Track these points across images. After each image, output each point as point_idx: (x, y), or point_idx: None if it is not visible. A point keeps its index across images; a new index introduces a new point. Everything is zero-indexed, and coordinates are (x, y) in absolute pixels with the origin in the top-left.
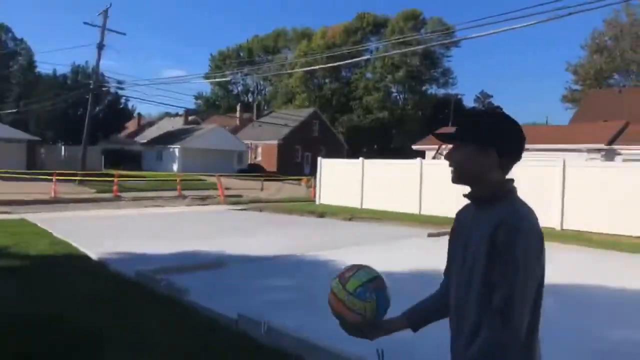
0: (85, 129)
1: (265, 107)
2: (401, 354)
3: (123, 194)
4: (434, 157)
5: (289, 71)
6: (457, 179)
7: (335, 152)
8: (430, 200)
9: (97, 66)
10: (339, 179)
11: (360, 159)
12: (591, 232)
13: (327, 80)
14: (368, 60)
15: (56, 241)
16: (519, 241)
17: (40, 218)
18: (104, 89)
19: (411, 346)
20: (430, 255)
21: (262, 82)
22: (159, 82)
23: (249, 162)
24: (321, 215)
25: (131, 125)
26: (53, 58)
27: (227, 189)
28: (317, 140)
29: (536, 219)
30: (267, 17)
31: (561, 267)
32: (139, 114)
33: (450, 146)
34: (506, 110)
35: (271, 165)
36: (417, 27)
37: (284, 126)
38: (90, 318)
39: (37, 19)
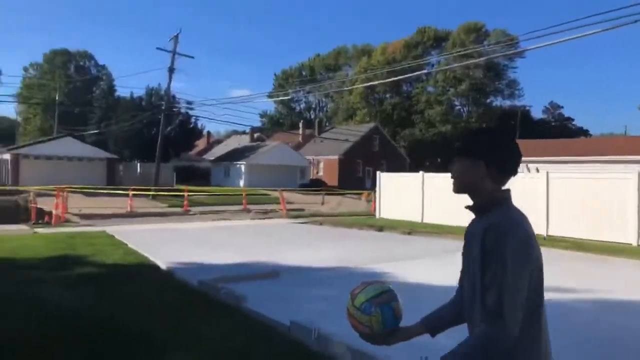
0: (158, 147)
1: (327, 124)
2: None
3: (192, 208)
4: None
5: (350, 87)
6: (456, 188)
7: (396, 167)
8: None
9: (169, 88)
10: (399, 193)
11: (420, 172)
12: None
13: (387, 95)
14: (429, 74)
15: (130, 251)
16: (506, 243)
17: (117, 230)
18: (174, 109)
19: None
20: None
21: (323, 99)
22: (226, 102)
23: (311, 177)
24: (380, 229)
25: (201, 143)
26: (130, 82)
27: (289, 203)
28: (378, 155)
29: (526, 223)
30: (328, 36)
31: None
32: (208, 133)
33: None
34: (579, 121)
35: (332, 180)
36: (479, 39)
37: (345, 141)
38: (155, 323)
39: (116, 46)
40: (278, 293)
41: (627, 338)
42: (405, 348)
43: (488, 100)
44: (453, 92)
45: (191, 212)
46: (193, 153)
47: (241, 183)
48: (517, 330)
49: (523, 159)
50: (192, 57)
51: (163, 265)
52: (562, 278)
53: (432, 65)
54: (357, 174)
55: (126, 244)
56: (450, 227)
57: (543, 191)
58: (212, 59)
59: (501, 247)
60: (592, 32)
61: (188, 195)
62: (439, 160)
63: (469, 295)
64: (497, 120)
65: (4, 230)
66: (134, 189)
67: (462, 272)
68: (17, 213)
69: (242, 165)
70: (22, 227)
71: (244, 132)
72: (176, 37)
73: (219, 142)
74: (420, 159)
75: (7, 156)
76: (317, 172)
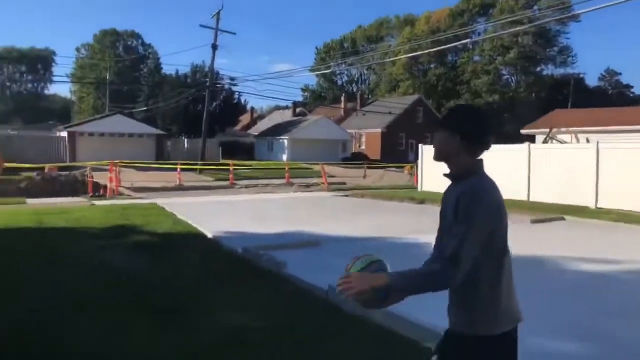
0: (204, 123)
1: (369, 96)
2: None
3: (238, 182)
4: (544, 142)
5: (393, 59)
6: (435, 157)
7: None
8: (539, 186)
9: (212, 65)
10: (440, 165)
11: None
12: None
13: (431, 66)
14: (475, 42)
15: (179, 222)
16: (477, 205)
17: (167, 202)
18: (218, 86)
19: None
20: (530, 242)
21: (365, 72)
22: (268, 77)
23: (353, 150)
24: (421, 201)
25: (245, 119)
26: (176, 60)
27: (331, 176)
28: (422, 127)
29: (496, 190)
30: (370, 8)
31: None
32: (252, 108)
33: (555, 130)
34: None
35: (375, 154)
36: (529, 4)
37: (388, 114)
38: (203, 286)
39: (162, 24)
40: (318, 261)
41: None
42: None
43: (538, 69)
44: (500, 61)
45: (237, 186)
46: (237, 128)
47: (284, 157)
48: (460, 279)
49: (572, 128)
50: (234, 34)
51: (210, 234)
52: (610, 250)
53: (479, 34)
54: (400, 147)
55: (175, 215)
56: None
57: (592, 162)
58: (253, 34)
59: (471, 208)
60: None
61: (233, 169)
62: None
63: (440, 250)
64: (548, 89)
65: (66, 203)
66: (182, 164)
67: (438, 232)
68: (76, 186)
69: (284, 140)
70: (81, 200)
71: (286, 107)
72: (218, 14)
73: (262, 117)
74: None
75: (64, 134)
76: (360, 146)
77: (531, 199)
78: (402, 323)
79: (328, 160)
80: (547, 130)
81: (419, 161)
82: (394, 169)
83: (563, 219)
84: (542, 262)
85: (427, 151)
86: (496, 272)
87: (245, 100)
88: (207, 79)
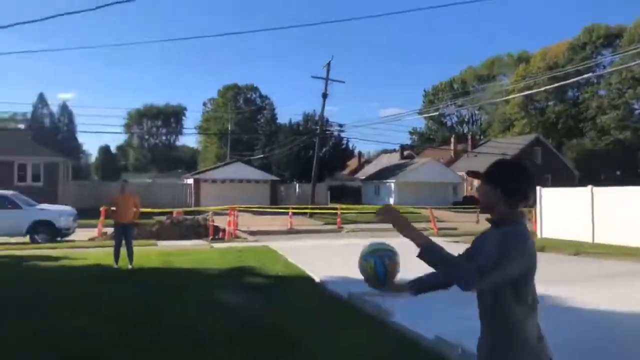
0: (314, 168)
1: (481, 137)
2: None
3: (345, 226)
4: None
5: (507, 97)
6: (481, 207)
7: (563, 181)
8: None
9: (322, 113)
10: (563, 209)
11: (589, 186)
12: None
13: (550, 103)
14: (601, 76)
15: (289, 265)
16: (514, 242)
17: (279, 245)
18: (328, 132)
19: None
20: None
21: (476, 112)
22: (375, 122)
23: (464, 194)
24: (540, 249)
25: (352, 163)
26: (289, 109)
27: (440, 221)
28: (541, 169)
29: (530, 236)
30: (477, 50)
31: None
32: (359, 152)
33: None
34: None
35: None
36: None
37: (502, 155)
38: (308, 328)
39: (277, 76)
40: (424, 308)
41: None
42: None
43: None
44: (631, 94)
45: (344, 230)
46: (345, 172)
47: (391, 201)
48: (475, 289)
49: None
50: (343, 82)
51: (317, 278)
52: None
53: (604, 67)
54: None
55: (286, 258)
56: (628, 248)
57: None
58: (361, 81)
59: (510, 243)
60: None
61: (341, 213)
62: (617, 172)
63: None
64: None
65: (190, 245)
66: (293, 208)
67: (469, 253)
68: (199, 230)
69: (391, 184)
70: (202, 242)
71: (393, 150)
72: (328, 64)
73: (369, 161)
74: (592, 171)
75: (190, 181)
76: (471, 189)
77: None
78: None
79: (437, 204)
80: None
81: (538, 205)
82: None
83: None
84: None
85: (547, 194)
86: (527, 315)
87: (353, 146)
88: (318, 127)
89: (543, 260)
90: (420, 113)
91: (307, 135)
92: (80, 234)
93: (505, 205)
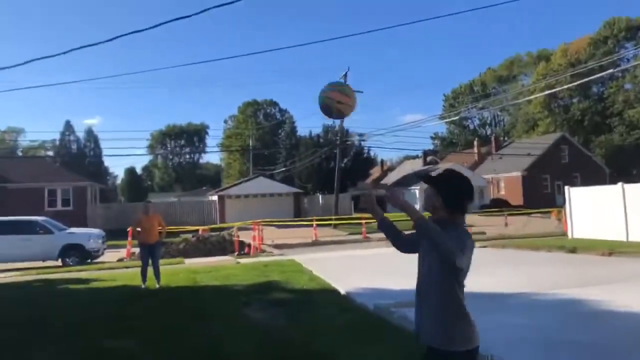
0: (336, 179)
1: (505, 139)
2: None
3: (370, 235)
4: None
5: (529, 97)
6: (425, 206)
7: (593, 179)
8: None
9: (342, 123)
10: (594, 209)
11: (620, 184)
12: None
13: (574, 100)
14: (625, 70)
15: (314, 277)
16: (459, 239)
17: (304, 258)
18: (348, 142)
19: None
20: None
21: (499, 114)
22: (395, 129)
23: (491, 197)
24: (572, 250)
25: (375, 171)
26: (309, 122)
27: (469, 226)
28: (569, 167)
29: (469, 237)
30: (497, 49)
31: None
32: (382, 160)
33: None
34: None
35: (516, 199)
36: None
37: (527, 156)
38: (334, 343)
39: (295, 90)
40: None
41: None
42: None
43: None
44: None
45: (370, 239)
46: (369, 181)
47: (417, 208)
48: (454, 261)
49: None
50: (362, 92)
51: (343, 291)
52: None
53: (627, 60)
54: (544, 190)
55: (311, 271)
56: None
57: None
58: (380, 90)
59: (461, 240)
60: None
61: (365, 222)
62: None
63: (428, 267)
64: None
65: (216, 261)
66: (317, 220)
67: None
68: (224, 246)
69: (415, 190)
70: (228, 258)
71: (416, 157)
72: (345, 75)
73: (392, 168)
74: (622, 167)
75: (214, 197)
76: (498, 191)
77: None
78: None
79: None
80: None
81: (567, 205)
82: (538, 215)
83: None
84: None
85: (576, 194)
86: (463, 297)
87: (374, 154)
88: (338, 138)
89: (574, 262)
90: (441, 118)
91: (327, 147)
92: (109, 256)
93: (444, 211)
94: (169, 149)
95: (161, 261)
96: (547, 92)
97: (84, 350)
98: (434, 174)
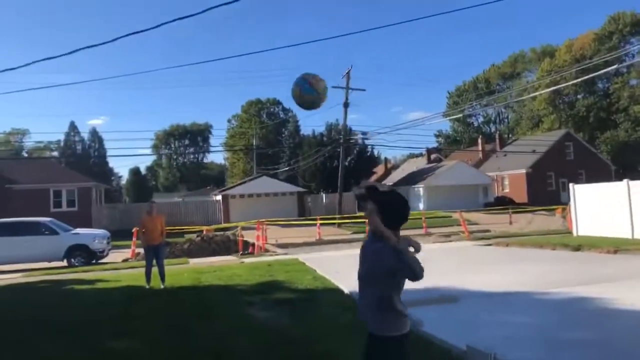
0: (340, 178)
1: (509, 136)
2: None
3: None
4: None
5: (533, 94)
6: (365, 217)
7: (598, 175)
8: None
9: (345, 122)
10: (599, 206)
11: (625, 181)
12: None
13: (579, 97)
14: (631, 65)
15: (318, 277)
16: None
17: (307, 257)
18: (351, 141)
19: None
20: None
21: (503, 111)
22: (399, 127)
23: (496, 194)
24: (577, 248)
25: (379, 170)
26: (312, 120)
27: (473, 224)
28: (574, 164)
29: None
30: (502, 46)
31: None
32: (386, 159)
33: None
34: None
35: (521, 196)
36: None
37: (532, 153)
38: (336, 342)
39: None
40: (456, 318)
41: None
42: None
43: None
44: None
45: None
46: (372, 180)
47: (421, 206)
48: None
49: None
50: (364, 90)
51: (346, 289)
52: None
53: (632, 55)
54: (549, 188)
55: (315, 270)
56: None
57: None
58: (383, 88)
59: (401, 258)
60: None
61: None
62: None
63: (368, 277)
64: None
65: (220, 261)
66: (321, 219)
67: (360, 265)
68: (228, 245)
69: (420, 188)
70: (232, 258)
71: (420, 155)
72: (348, 73)
73: (396, 167)
74: (628, 164)
75: (219, 197)
76: (502, 189)
77: None
78: None
79: (468, 207)
80: None
81: (572, 203)
82: (543, 212)
83: None
84: None
85: (581, 191)
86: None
87: (378, 152)
88: (341, 136)
89: (579, 260)
90: (445, 115)
91: (331, 146)
92: (114, 256)
93: (382, 224)
94: (173, 149)
95: (165, 261)
96: (551, 88)
97: (90, 351)
98: (381, 189)
